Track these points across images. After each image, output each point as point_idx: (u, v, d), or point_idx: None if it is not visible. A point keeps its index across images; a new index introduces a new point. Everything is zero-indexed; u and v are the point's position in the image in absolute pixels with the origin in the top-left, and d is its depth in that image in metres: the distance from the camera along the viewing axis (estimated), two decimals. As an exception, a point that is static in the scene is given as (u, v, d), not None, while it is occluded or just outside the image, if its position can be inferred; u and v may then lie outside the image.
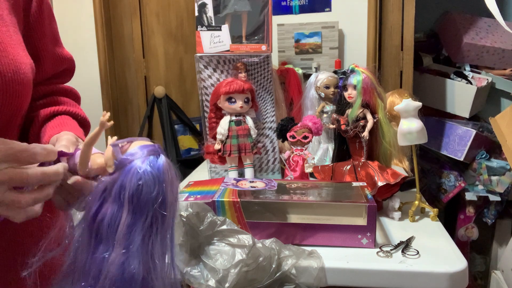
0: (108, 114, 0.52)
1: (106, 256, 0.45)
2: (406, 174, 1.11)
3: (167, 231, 0.48)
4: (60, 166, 0.50)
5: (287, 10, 1.65)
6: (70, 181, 0.52)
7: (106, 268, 0.45)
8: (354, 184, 0.92)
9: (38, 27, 0.68)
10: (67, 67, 0.76)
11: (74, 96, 0.77)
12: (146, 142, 0.49)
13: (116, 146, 0.49)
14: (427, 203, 0.97)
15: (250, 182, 0.94)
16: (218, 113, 1.12)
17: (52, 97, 0.72)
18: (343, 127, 1.02)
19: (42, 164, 0.50)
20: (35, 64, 0.67)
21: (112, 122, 0.52)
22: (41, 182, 0.48)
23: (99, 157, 0.52)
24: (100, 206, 0.46)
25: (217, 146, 1.11)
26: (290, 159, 1.08)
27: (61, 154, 0.53)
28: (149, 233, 0.46)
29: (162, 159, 0.48)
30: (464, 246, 1.90)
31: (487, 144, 1.76)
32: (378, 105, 0.99)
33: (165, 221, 0.47)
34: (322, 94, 1.27)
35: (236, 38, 1.13)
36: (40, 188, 0.49)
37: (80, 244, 0.47)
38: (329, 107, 1.27)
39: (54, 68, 0.73)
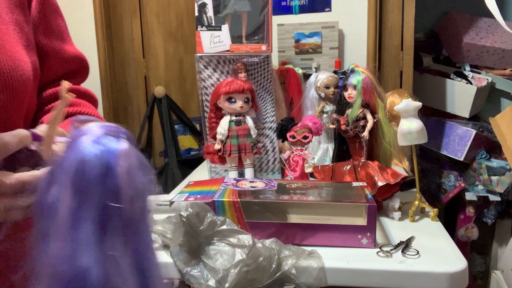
0: (67, 83, 0.47)
1: (50, 249, 0.38)
2: (406, 174, 1.11)
3: (135, 233, 0.41)
4: (38, 172, 0.46)
5: (287, 10, 1.65)
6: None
7: (53, 264, 0.37)
8: (354, 184, 0.92)
9: (41, 25, 0.67)
10: (79, 67, 0.74)
11: (90, 98, 0.74)
12: (109, 124, 0.43)
13: (74, 122, 0.43)
14: (427, 203, 0.97)
15: (250, 182, 0.94)
16: (218, 113, 1.12)
17: (75, 100, 0.70)
18: (343, 127, 1.02)
19: (19, 152, 0.46)
20: (41, 63, 0.67)
21: (73, 95, 0.48)
22: (19, 190, 0.45)
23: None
24: (47, 190, 0.39)
25: (217, 146, 1.11)
26: (290, 159, 1.08)
27: (34, 137, 0.48)
28: (103, 226, 0.39)
29: (123, 144, 0.41)
30: (464, 246, 1.90)
31: (487, 144, 1.76)
32: (378, 105, 0.99)
33: (125, 217, 0.40)
34: (322, 94, 1.27)
35: (236, 38, 1.13)
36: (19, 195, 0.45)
37: (34, 238, 0.40)
38: (329, 107, 1.27)
39: (63, 67, 0.71)
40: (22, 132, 0.46)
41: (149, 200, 0.43)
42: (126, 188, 0.40)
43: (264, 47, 1.14)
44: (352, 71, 1.00)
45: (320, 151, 1.29)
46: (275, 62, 1.61)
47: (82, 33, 1.86)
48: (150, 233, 0.43)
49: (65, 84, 0.47)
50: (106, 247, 0.38)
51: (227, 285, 0.69)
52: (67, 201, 0.38)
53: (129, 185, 0.40)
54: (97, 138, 0.40)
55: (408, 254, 0.76)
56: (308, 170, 1.09)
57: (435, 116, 1.83)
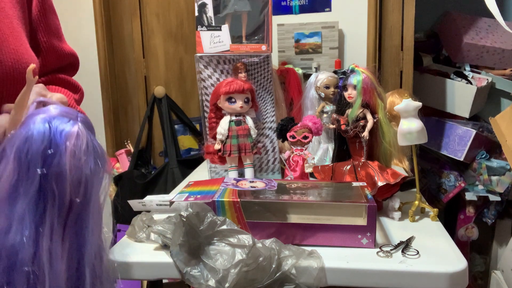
0: (33, 65, 0.47)
1: None
2: (406, 174, 1.11)
3: (77, 218, 0.39)
4: None
5: (287, 10, 1.65)
6: None
7: None
8: (354, 184, 0.92)
9: (40, 22, 0.69)
10: (71, 62, 0.77)
11: (73, 88, 0.77)
12: (68, 107, 0.42)
13: (34, 103, 0.43)
14: (427, 203, 0.97)
15: (250, 182, 0.94)
16: (218, 113, 1.12)
17: (48, 86, 0.72)
18: (343, 127, 1.02)
19: None
20: (39, 58, 0.69)
21: (37, 77, 0.47)
22: None
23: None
24: None
25: (217, 146, 1.11)
26: (290, 159, 1.08)
27: None
28: (41, 205, 0.38)
29: (76, 126, 0.40)
30: (464, 246, 1.90)
31: (487, 144, 1.76)
32: (378, 105, 0.99)
33: (65, 199, 0.39)
34: (322, 94, 1.27)
35: (236, 38, 1.13)
36: None
37: None
38: (329, 107, 1.27)
39: (57, 63, 0.74)
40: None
41: (97, 187, 0.42)
42: (69, 170, 0.39)
43: (264, 47, 1.14)
44: (352, 71, 1.00)
45: (320, 151, 1.29)
46: (275, 62, 1.61)
47: (82, 33, 1.87)
48: (95, 224, 0.42)
49: (31, 67, 0.46)
50: (41, 226, 0.37)
51: (227, 285, 0.69)
52: (9, 174, 0.38)
53: (74, 168, 0.39)
54: (49, 117, 0.40)
55: (408, 254, 0.76)
56: (308, 170, 1.09)
57: (435, 116, 1.83)
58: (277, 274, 0.71)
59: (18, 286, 0.35)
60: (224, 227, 0.76)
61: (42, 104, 0.43)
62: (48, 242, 0.38)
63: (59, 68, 0.75)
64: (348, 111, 1.01)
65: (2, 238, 0.36)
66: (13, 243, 0.36)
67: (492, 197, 1.78)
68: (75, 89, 0.78)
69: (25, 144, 0.38)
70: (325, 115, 1.27)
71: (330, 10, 1.63)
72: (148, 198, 1.01)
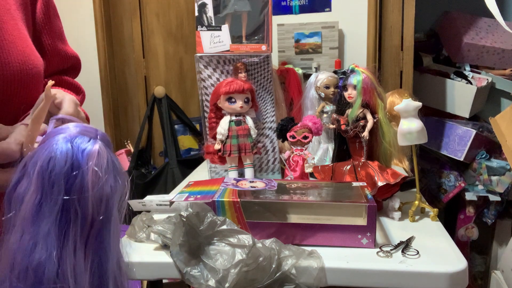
0: (52, 82, 0.48)
1: (15, 239, 0.39)
2: (406, 174, 1.11)
3: (97, 236, 0.41)
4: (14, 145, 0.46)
5: (287, 10, 1.65)
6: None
7: (12, 255, 0.38)
8: (354, 184, 0.92)
9: (45, 25, 0.70)
10: (73, 64, 0.78)
11: (76, 89, 0.78)
12: (87, 125, 0.43)
13: (53, 120, 0.44)
14: (427, 203, 0.97)
15: (250, 182, 0.94)
16: (218, 113, 1.12)
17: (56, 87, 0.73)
18: (343, 127, 1.02)
19: None
20: (43, 60, 0.69)
21: (55, 94, 0.48)
22: None
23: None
24: (18, 181, 0.40)
25: (217, 146, 1.11)
26: (290, 159, 1.08)
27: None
28: (65, 223, 0.39)
29: (97, 145, 0.41)
30: (464, 246, 1.90)
31: (487, 144, 1.76)
32: (378, 105, 0.99)
33: (87, 217, 0.40)
34: (322, 94, 1.27)
35: (236, 38, 1.13)
36: None
37: (3, 228, 0.41)
38: (329, 107, 1.27)
39: (61, 65, 0.75)
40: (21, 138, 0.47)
41: (117, 205, 0.43)
42: (91, 189, 0.40)
43: (264, 47, 1.14)
44: (352, 71, 1.00)
45: (320, 151, 1.29)
46: (275, 62, 1.61)
47: (82, 34, 1.87)
48: (114, 238, 0.43)
49: (50, 83, 0.47)
50: (64, 243, 0.39)
51: (227, 285, 0.69)
52: (32, 194, 0.39)
53: (96, 186, 0.40)
54: (70, 136, 0.40)
55: (408, 254, 0.76)
56: (308, 170, 1.09)
57: (435, 116, 1.83)
58: (277, 274, 0.71)
59: None
60: (224, 227, 0.76)
61: (61, 121, 0.44)
62: (72, 258, 0.39)
63: (62, 70, 0.76)
64: (348, 111, 1.01)
65: (28, 256, 0.38)
66: (40, 260, 0.38)
67: (492, 197, 1.78)
68: (78, 91, 0.79)
69: (49, 164, 0.39)
70: (325, 115, 1.27)
71: (330, 10, 1.63)
72: (148, 198, 1.01)
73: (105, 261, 0.42)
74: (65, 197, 0.39)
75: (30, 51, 0.62)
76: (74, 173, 0.39)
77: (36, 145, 0.46)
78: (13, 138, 0.46)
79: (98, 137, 0.43)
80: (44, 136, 0.42)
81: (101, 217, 0.41)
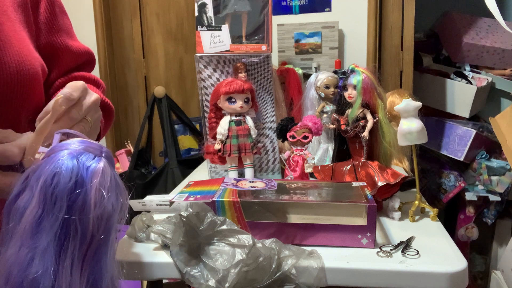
0: (62, 96, 0.48)
1: (7, 253, 0.38)
2: (406, 174, 1.11)
3: (95, 253, 0.41)
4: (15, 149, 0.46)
5: (287, 10, 1.65)
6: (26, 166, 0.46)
7: (8, 267, 0.38)
8: (354, 184, 0.92)
9: (52, 24, 0.70)
10: (87, 59, 0.78)
11: (95, 83, 0.77)
12: (92, 141, 0.43)
13: (59, 133, 0.45)
14: (427, 203, 0.97)
15: (250, 182, 0.94)
16: (218, 113, 1.12)
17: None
18: (343, 127, 1.02)
19: None
20: (54, 59, 0.70)
21: (64, 108, 0.48)
22: None
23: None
24: (19, 193, 0.40)
25: (217, 146, 1.11)
26: (290, 159, 1.08)
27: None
28: (64, 239, 0.39)
29: (101, 163, 0.41)
30: (464, 246, 1.90)
31: (487, 144, 1.76)
32: (378, 105, 0.99)
33: (87, 235, 0.40)
34: (322, 94, 1.27)
35: (236, 38, 1.13)
36: None
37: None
38: (329, 107, 1.27)
39: (74, 61, 0.74)
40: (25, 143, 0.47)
41: (117, 224, 0.43)
42: (93, 207, 0.40)
43: (264, 47, 1.14)
44: (352, 71, 1.00)
45: (320, 151, 1.29)
46: (275, 62, 1.61)
47: (82, 33, 1.86)
48: (111, 256, 0.43)
49: (58, 97, 0.47)
50: (62, 259, 0.39)
51: (227, 285, 0.69)
52: (34, 208, 0.39)
53: (98, 204, 0.40)
54: (75, 153, 0.41)
55: (408, 254, 0.76)
56: (308, 170, 1.09)
57: (435, 116, 1.83)
58: (277, 274, 0.71)
59: None
60: (224, 227, 0.76)
61: (66, 135, 0.45)
62: (68, 275, 0.39)
63: (76, 66, 0.75)
64: (348, 111, 1.01)
65: (24, 270, 0.37)
66: (36, 275, 0.37)
67: (492, 197, 1.78)
68: (97, 84, 0.78)
69: (53, 179, 0.39)
70: (325, 115, 1.27)
71: (330, 10, 1.63)
72: (148, 198, 1.01)
73: (99, 279, 0.42)
74: (67, 215, 0.39)
75: (27, 52, 0.62)
76: (78, 190, 0.39)
77: (37, 155, 0.46)
78: (16, 142, 0.46)
79: (103, 154, 0.43)
80: (49, 149, 0.42)
81: (101, 236, 0.41)
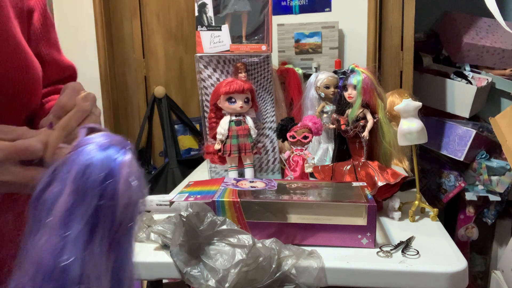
0: (86, 93, 0.51)
1: (38, 242, 0.40)
2: (406, 174, 1.11)
3: (120, 241, 0.43)
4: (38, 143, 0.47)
5: (287, 10, 1.65)
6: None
7: (39, 256, 0.39)
8: (354, 184, 0.92)
9: (43, 36, 0.71)
10: (71, 74, 0.79)
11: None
12: (115, 135, 0.45)
13: (84, 128, 0.46)
14: (427, 203, 0.97)
15: (250, 182, 0.94)
16: (218, 113, 1.12)
17: (52, 96, 0.74)
18: (343, 127, 1.02)
19: None
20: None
21: (88, 103, 0.51)
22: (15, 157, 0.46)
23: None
24: (46, 187, 0.42)
25: (217, 146, 1.11)
26: (290, 159, 1.08)
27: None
28: (93, 228, 0.41)
29: (127, 156, 0.44)
30: (464, 246, 1.90)
31: (487, 144, 1.76)
32: (378, 105, 0.99)
33: (115, 224, 0.42)
34: (322, 94, 1.27)
35: (236, 38, 1.13)
36: None
37: (26, 230, 0.42)
38: (329, 107, 1.27)
39: (58, 75, 0.75)
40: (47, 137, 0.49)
41: (139, 211, 0.45)
42: (122, 196, 0.42)
43: (264, 47, 1.14)
44: (352, 71, 1.00)
45: (320, 151, 1.29)
46: (275, 62, 1.61)
47: (82, 33, 1.87)
48: (132, 244, 0.45)
49: (83, 95, 0.50)
50: (91, 248, 0.40)
51: (227, 285, 0.69)
52: (66, 199, 0.40)
53: (126, 194, 0.42)
54: (103, 146, 0.43)
55: (408, 254, 0.76)
56: (308, 170, 1.09)
57: (435, 116, 1.83)
58: (277, 274, 0.71)
59: None
60: (224, 227, 0.76)
61: (91, 130, 0.46)
62: (96, 262, 0.41)
63: (60, 80, 0.77)
64: (348, 111, 1.01)
65: (55, 258, 0.39)
66: (67, 263, 0.39)
67: (492, 197, 1.78)
68: None
69: (85, 171, 0.41)
70: (325, 115, 1.27)
71: (330, 10, 1.63)
72: (148, 198, 1.00)
73: (123, 267, 0.44)
74: (97, 204, 0.41)
75: (32, 57, 0.64)
76: (108, 181, 0.41)
77: (59, 150, 0.48)
78: (39, 137, 0.47)
79: (127, 147, 0.45)
80: (76, 143, 0.44)
81: (126, 225, 0.43)
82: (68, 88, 0.54)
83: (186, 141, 1.92)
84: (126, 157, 0.43)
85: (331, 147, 1.27)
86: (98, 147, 0.42)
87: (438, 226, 0.91)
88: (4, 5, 0.61)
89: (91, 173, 0.41)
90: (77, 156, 0.42)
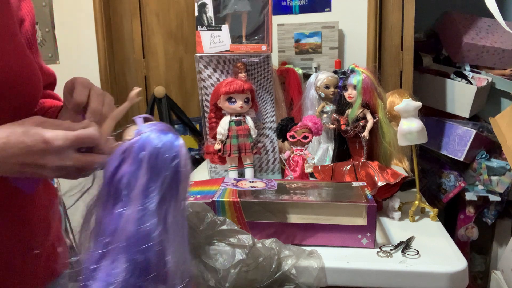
0: (138, 89, 0.62)
1: (123, 212, 0.48)
2: (406, 174, 1.11)
3: (179, 207, 0.51)
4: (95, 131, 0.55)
5: (287, 10, 1.65)
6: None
7: (122, 224, 0.48)
8: (354, 184, 0.92)
9: (31, 43, 0.74)
10: (52, 82, 0.82)
11: (59, 100, 0.83)
12: (165, 124, 0.55)
13: (140, 117, 0.54)
14: (427, 203, 0.97)
15: (250, 182, 0.94)
16: (218, 113, 1.12)
17: (43, 100, 0.78)
18: (343, 127, 1.02)
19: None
20: None
21: (140, 98, 0.60)
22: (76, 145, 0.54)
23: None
24: (119, 166, 0.50)
25: (217, 146, 1.11)
26: (290, 159, 1.08)
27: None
28: (164, 199, 0.50)
29: (181, 139, 0.53)
30: (464, 246, 1.90)
31: (487, 144, 1.76)
32: (378, 105, 0.99)
33: (179, 197, 0.51)
34: (322, 94, 1.27)
35: (236, 38, 1.13)
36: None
37: (97, 203, 0.51)
38: (329, 107, 1.27)
39: (44, 81, 0.78)
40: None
41: (189, 186, 0.54)
42: (183, 172, 0.51)
43: (264, 47, 1.14)
44: (352, 71, 1.00)
45: (320, 151, 1.29)
46: (275, 62, 1.60)
47: (82, 33, 1.86)
48: (185, 208, 0.54)
49: (136, 90, 0.61)
50: (164, 216, 0.50)
51: (227, 285, 0.69)
52: (142, 176, 0.49)
53: (185, 170, 0.52)
54: (163, 131, 0.52)
55: (408, 254, 0.76)
56: (308, 170, 1.09)
57: (435, 116, 1.83)
58: (277, 274, 0.71)
59: (152, 260, 0.48)
60: (224, 227, 0.76)
61: (144, 119, 0.55)
62: (168, 224, 0.50)
63: (44, 86, 0.79)
64: (348, 111, 1.01)
65: (139, 224, 0.48)
66: (149, 226, 0.48)
67: (492, 197, 1.78)
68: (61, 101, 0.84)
69: (158, 152, 0.50)
70: (325, 115, 1.27)
71: (330, 10, 1.63)
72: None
73: (181, 229, 0.53)
74: (166, 179, 0.50)
75: (35, 65, 0.68)
76: (175, 161, 0.50)
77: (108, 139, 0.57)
78: (95, 127, 0.55)
79: (177, 133, 0.53)
80: (138, 129, 0.52)
81: (184, 197, 0.53)
82: (78, 83, 0.62)
83: (186, 141, 1.92)
84: (181, 141, 0.52)
85: (331, 147, 1.27)
86: (160, 133, 0.51)
87: (438, 226, 0.91)
88: (12, 14, 0.66)
89: (162, 154, 0.50)
90: (147, 140, 0.50)
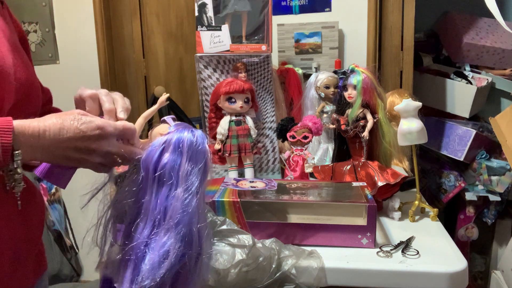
0: (167, 95, 0.76)
1: (171, 195, 0.57)
2: (406, 174, 1.11)
3: (203, 190, 0.60)
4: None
5: (287, 10, 1.65)
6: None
7: (172, 204, 0.57)
8: (354, 184, 0.92)
9: (30, 59, 0.75)
10: (49, 97, 0.83)
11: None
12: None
13: (170, 117, 0.64)
14: (427, 203, 0.97)
15: (250, 182, 0.94)
16: (218, 113, 1.12)
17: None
18: (343, 127, 1.02)
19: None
20: None
21: (168, 102, 0.72)
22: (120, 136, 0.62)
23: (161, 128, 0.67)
24: (161, 155, 0.58)
25: (217, 146, 1.11)
26: (290, 159, 1.08)
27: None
28: (200, 183, 0.59)
29: (200, 133, 0.61)
30: (464, 246, 1.90)
31: (487, 144, 1.76)
32: (378, 105, 0.99)
33: (206, 183, 0.60)
34: (322, 94, 1.27)
35: (236, 38, 1.13)
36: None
37: (141, 189, 0.59)
38: (329, 107, 1.27)
39: (43, 98, 0.79)
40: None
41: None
42: (209, 161, 0.61)
43: (264, 47, 1.14)
44: (352, 71, 1.00)
45: (320, 151, 1.29)
46: (275, 62, 1.60)
47: (82, 34, 1.86)
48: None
49: (166, 96, 0.75)
50: (199, 198, 0.58)
51: (227, 285, 0.69)
52: (185, 164, 0.58)
53: (209, 160, 0.61)
54: (191, 128, 0.61)
55: (408, 254, 0.76)
56: (308, 170, 1.09)
57: (435, 116, 1.82)
58: (277, 274, 0.71)
59: (193, 232, 0.58)
60: (224, 227, 0.76)
61: (172, 118, 0.65)
62: (200, 203, 0.59)
63: (43, 103, 0.79)
64: (348, 111, 1.01)
65: (186, 205, 0.57)
66: (192, 205, 0.57)
67: (492, 197, 1.78)
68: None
69: (195, 145, 0.59)
70: (325, 115, 1.27)
71: (330, 10, 1.63)
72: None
73: (204, 208, 0.62)
74: (201, 166, 0.59)
75: (35, 75, 0.71)
76: (206, 152, 0.60)
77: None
78: (130, 123, 0.62)
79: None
80: (174, 126, 0.61)
81: (207, 182, 0.61)
82: (103, 94, 0.68)
83: (186, 141, 1.92)
84: (202, 134, 0.61)
85: (331, 147, 1.27)
86: (190, 128, 0.61)
87: (438, 226, 0.91)
88: (21, 29, 0.71)
89: (198, 146, 0.59)
90: (182, 135, 0.59)
